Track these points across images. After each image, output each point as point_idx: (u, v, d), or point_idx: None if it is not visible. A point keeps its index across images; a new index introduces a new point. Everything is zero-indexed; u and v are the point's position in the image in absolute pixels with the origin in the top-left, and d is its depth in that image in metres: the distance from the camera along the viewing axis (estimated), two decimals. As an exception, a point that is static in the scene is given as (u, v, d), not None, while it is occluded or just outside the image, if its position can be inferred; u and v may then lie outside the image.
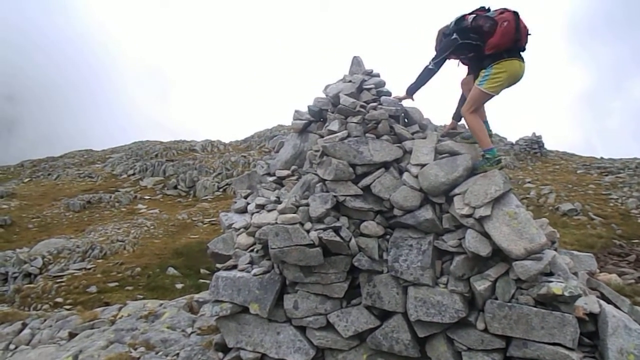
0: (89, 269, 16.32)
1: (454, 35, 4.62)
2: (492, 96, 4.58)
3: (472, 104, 4.60)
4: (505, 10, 4.56)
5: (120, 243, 18.98)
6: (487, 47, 4.47)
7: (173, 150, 38.62)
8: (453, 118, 5.20)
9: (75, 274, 15.79)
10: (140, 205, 28.14)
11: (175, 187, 31.00)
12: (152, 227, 21.90)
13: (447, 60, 4.80)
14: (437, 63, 4.73)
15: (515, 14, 4.49)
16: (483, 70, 4.52)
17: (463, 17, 4.68)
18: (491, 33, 4.44)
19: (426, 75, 4.78)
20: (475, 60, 4.70)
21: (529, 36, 4.55)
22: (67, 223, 25.50)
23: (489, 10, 4.67)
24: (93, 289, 14.24)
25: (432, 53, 4.89)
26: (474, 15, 4.64)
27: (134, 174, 34.58)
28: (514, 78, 4.56)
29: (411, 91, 4.90)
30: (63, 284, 14.95)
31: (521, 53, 4.55)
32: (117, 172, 35.94)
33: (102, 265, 16.46)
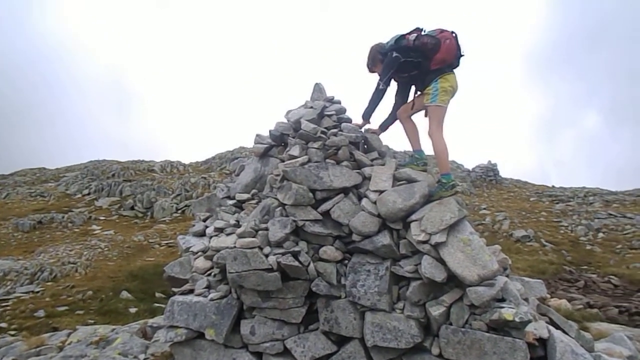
0: (37, 292, 15.59)
1: (395, 54, 4.83)
2: (445, 108, 4.82)
3: (437, 122, 4.79)
4: (443, 30, 4.88)
5: (72, 265, 18.25)
6: (433, 62, 4.75)
7: (131, 170, 37.72)
8: (380, 127, 5.41)
9: (22, 298, 15.03)
10: (94, 226, 27.24)
11: (132, 208, 30.22)
12: (106, 248, 21.20)
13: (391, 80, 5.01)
14: (386, 82, 4.94)
15: (453, 33, 4.79)
16: (429, 87, 4.76)
17: (403, 37, 4.91)
18: (436, 50, 4.73)
19: (377, 96, 4.98)
20: (417, 77, 4.92)
21: (462, 56, 4.87)
22: (16, 244, 24.38)
23: (422, 30, 4.94)
24: (41, 313, 13.57)
25: (364, 70, 5.20)
26: (416, 35, 4.86)
27: (89, 194, 33.51)
28: (454, 88, 4.84)
29: (367, 115, 5.10)
30: (8, 308, 14.20)
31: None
32: (71, 191, 34.74)
33: (51, 288, 15.75)
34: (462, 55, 4.86)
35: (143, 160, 41.90)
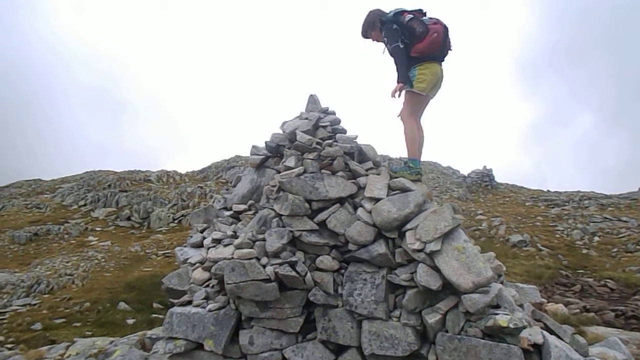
0: (34, 304, 15.57)
1: (395, 26, 4.85)
2: (423, 96, 4.90)
3: (410, 108, 4.91)
4: (438, 21, 4.90)
5: (69, 277, 18.25)
6: (413, 50, 4.80)
7: (127, 181, 37.68)
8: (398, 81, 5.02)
9: (19, 311, 15.02)
10: (91, 237, 27.19)
11: (129, 219, 30.20)
12: (103, 259, 21.17)
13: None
14: (398, 42, 4.83)
15: (446, 28, 4.85)
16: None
17: (401, 13, 4.92)
18: (420, 38, 4.76)
19: (401, 56, 4.82)
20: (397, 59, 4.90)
21: (450, 51, 4.96)
22: (12, 256, 24.32)
23: (425, 14, 4.97)
24: (38, 326, 13.56)
25: (358, 33, 5.26)
26: (412, 16, 4.88)
27: (85, 205, 33.46)
28: (436, 78, 4.91)
29: (404, 78, 4.86)
30: (5, 321, 14.18)
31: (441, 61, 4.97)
32: (67, 202, 34.69)
33: (48, 301, 15.74)
34: (449, 50, 4.92)
35: (139, 171, 41.88)
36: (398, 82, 4.87)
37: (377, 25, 5.07)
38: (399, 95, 4.91)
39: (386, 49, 5.03)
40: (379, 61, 5.20)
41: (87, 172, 43.63)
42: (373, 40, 5.23)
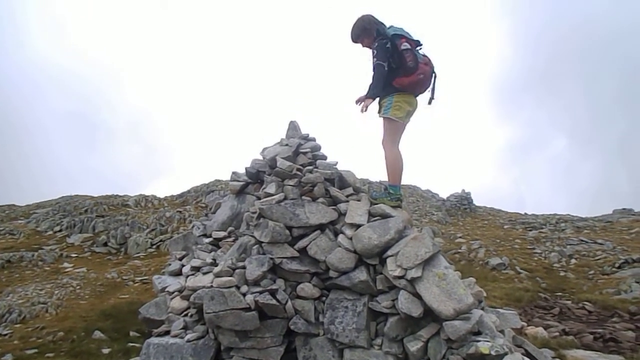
0: (5, 334, 15.00)
1: (388, 45, 4.79)
2: (400, 123, 4.92)
3: (390, 135, 4.94)
4: (429, 63, 4.91)
5: (42, 305, 17.68)
6: (396, 81, 4.81)
7: (104, 206, 36.99)
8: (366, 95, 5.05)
9: (-11, 341, 14.48)
10: (66, 264, 26.48)
11: (105, 244, 29.55)
12: (78, 287, 20.59)
13: None
14: (383, 60, 4.77)
15: (434, 73, 4.91)
16: (384, 100, 4.86)
17: (400, 37, 4.85)
18: (407, 73, 4.76)
19: (383, 76, 4.78)
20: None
21: (432, 99, 4.98)
22: (-18, 285, 23.56)
23: (420, 47, 4.96)
24: (9, 357, 13.03)
25: (347, 37, 5.21)
26: (409, 46, 4.80)
27: (60, 230, 32.66)
28: (412, 108, 4.95)
29: (374, 94, 4.88)
30: (-26, 353, 13.65)
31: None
32: (42, 228, 33.82)
33: (20, 331, 15.19)
34: (432, 98, 4.97)
35: (117, 195, 41.21)
36: (367, 98, 4.87)
37: (372, 33, 4.98)
38: (366, 110, 4.87)
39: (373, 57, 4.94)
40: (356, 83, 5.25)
41: (63, 197, 42.76)
42: (364, 46, 5.14)
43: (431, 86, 4.98)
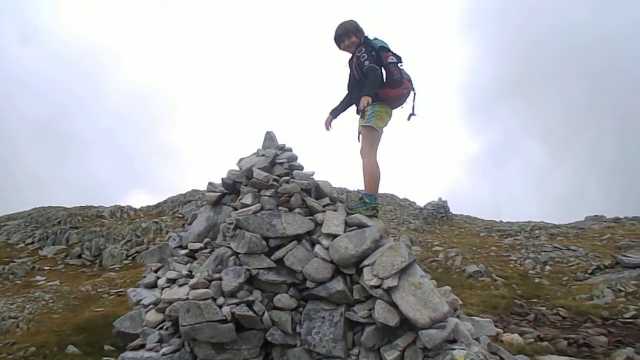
0: (-26, 351, 14.59)
1: (373, 53, 4.86)
2: (379, 133, 5.01)
3: (370, 143, 4.98)
4: (410, 81, 5.04)
5: (13, 320, 17.22)
6: (382, 91, 4.88)
7: (78, 217, 36.27)
8: (331, 112, 5.42)
9: (-44, 358, 14.02)
10: (38, 277, 25.87)
11: (79, 256, 28.96)
12: (50, 300, 20.13)
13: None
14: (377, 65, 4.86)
15: (414, 90, 5.04)
16: (367, 108, 4.84)
17: (386, 50, 4.97)
18: (393, 85, 4.87)
19: (378, 77, 4.83)
20: (360, 89, 4.91)
21: (413, 115, 5.07)
22: (-50, 299, 22.82)
23: (401, 62, 5.06)
24: (-23, 374, 12.70)
25: (330, 42, 5.29)
26: (395, 60, 4.94)
27: (32, 243, 31.88)
28: (389, 119, 5.06)
29: (371, 91, 4.82)
30: (-60, 370, 13.21)
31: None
32: (13, 241, 32.96)
33: (-11, 346, 14.78)
34: (413, 114, 5.05)
35: (92, 206, 40.46)
36: (366, 95, 4.80)
37: (359, 36, 5.06)
38: (368, 105, 4.86)
39: (355, 63, 5.01)
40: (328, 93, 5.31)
41: (35, 208, 41.80)
42: (343, 47, 5.19)
43: (412, 103, 5.07)
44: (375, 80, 4.82)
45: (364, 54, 4.89)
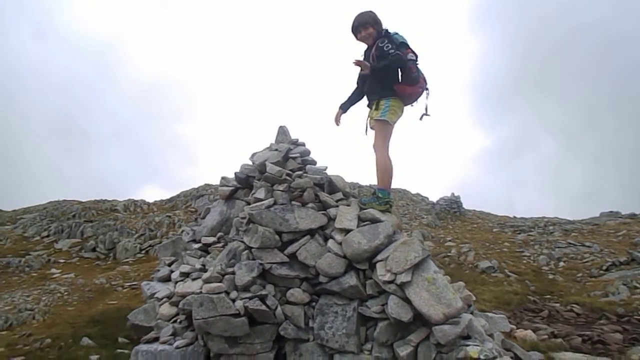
0: (-9, 342, 14.83)
1: (396, 52, 4.76)
2: (392, 127, 4.99)
3: (383, 138, 4.95)
4: (425, 80, 5.01)
5: (29, 312, 17.47)
6: (399, 86, 4.86)
7: (93, 211, 36.66)
8: (340, 107, 5.39)
9: (-26, 349, 14.27)
10: (53, 270, 26.22)
11: (94, 250, 29.30)
12: (66, 293, 20.38)
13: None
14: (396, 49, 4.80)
15: (427, 90, 4.98)
16: (382, 102, 4.86)
17: (406, 46, 4.92)
18: (411, 82, 4.84)
19: (401, 60, 4.79)
20: (378, 84, 4.93)
21: (426, 115, 5.03)
22: (-32, 292, 23.23)
23: (417, 61, 4.99)
24: (-6, 365, 12.90)
25: (348, 33, 5.18)
26: (414, 58, 4.90)
27: (48, 236, 32.32)
28: (401, 114, 5.03)
29: (382, 69, 4.80)
30: (-42, 361, 13.44)
31: None
32: (29, 234, 33.45)
33: (6, 338, 14.99)
34: (426, 114, 5.01)
35: (105, 200, 40.88)
36: (370, 66, 4.78)
37: (378, 28, 4.99)
38: (363, 71, 4.89)
39: (374, 54, 4.93)
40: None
41: (51, 202, 42.34)
42: (360, 38, 5.12)
43: (425, 103, 5.04)
44: (395, 65, 4.79)
45: (387, 44, 4.80)
